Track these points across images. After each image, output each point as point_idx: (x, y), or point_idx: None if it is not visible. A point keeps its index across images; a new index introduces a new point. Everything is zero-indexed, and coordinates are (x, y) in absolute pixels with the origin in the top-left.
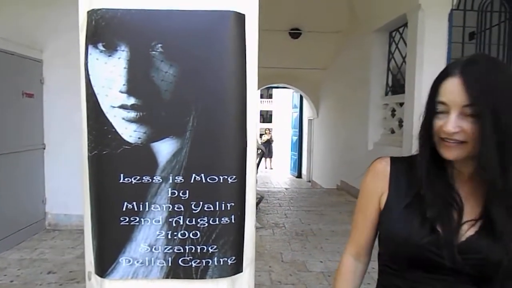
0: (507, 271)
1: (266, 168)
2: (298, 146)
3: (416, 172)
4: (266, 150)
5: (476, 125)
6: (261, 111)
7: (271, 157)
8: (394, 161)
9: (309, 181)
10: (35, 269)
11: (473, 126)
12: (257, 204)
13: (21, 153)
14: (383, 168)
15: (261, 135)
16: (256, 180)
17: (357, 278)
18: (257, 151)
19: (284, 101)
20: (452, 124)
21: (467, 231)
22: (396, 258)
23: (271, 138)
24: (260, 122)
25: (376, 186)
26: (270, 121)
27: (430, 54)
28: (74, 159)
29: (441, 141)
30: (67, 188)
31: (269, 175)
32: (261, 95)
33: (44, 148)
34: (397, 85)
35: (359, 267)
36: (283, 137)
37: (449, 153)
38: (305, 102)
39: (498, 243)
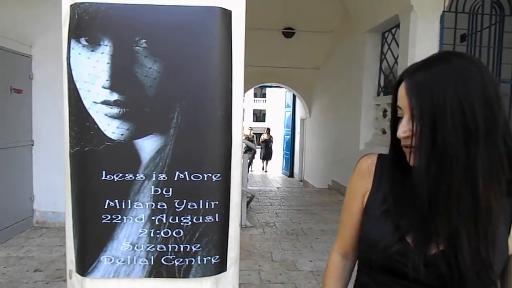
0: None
1: (263, 170)
2: (291, 145)
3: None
4: (263, 151)
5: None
6: (254, 110)
7: (270, 159)
8: (381, 159)
9: (301, 181)
10: (22, 267)
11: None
12: (248, 203)
13: (9, 150)
14: (368, 166)
15: (260, 134)
16: (248, 179)
17: (346, 276)
18: (250, 150)
19: (277, 100)
20: (401, 128)
21: (437, 245)
22: (368, 259)
23: (270, 138)
24: (253, 121)
25: (361, 184)
26: (264, 120)
27: (421, 55)
28: (63, 156)
29: (404, 147)
30: (56, 185)
31: (266, 174)
32: (254, 94)
33: (33, 145)
34: (389, 86)
35: (347, 265)
36: (275, 136)
37: (409, 159)
38: (298, 101)
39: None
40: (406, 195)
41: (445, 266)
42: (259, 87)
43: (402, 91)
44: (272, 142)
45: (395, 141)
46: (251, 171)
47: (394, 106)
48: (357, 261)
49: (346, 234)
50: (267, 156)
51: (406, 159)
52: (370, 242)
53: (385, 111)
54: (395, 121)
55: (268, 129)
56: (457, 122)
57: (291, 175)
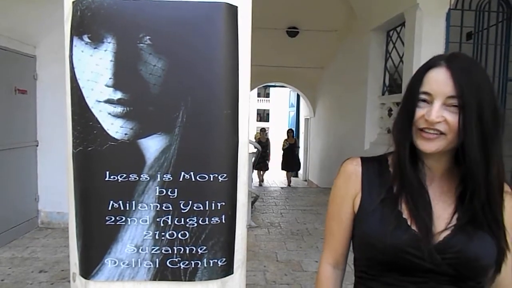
0: (486, 267)
1: (289, 186)
2: None
3: (387, 171)
4: (287, 159)
5: (457, 116)
6: (258, 110)
7: (297, 169)
8: (365, 161)
9: (306, 180)
10: (27, 267)
11: (455, 118)
12: (253, 203)
13: (14, 150)
14: (354, 169)
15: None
16: (252, 179)
17: (338, 286)
18: (259, 152)
19: (281, 100)
20: (436, 113)
21: (443, 231)
22: (372, 262)
23: (295, 142)
24: (257, 121)
25: (349, 188)
26: (267, 120)
27: (427, 53)
28: (66, 156)
29: (419, 132)
30: (61, 186)
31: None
32: (258, 93)
33: (37, 145)
34: (394, 85)
35: (338, 275)
36: (280, 136)
37: (428, 145)
38: (302, 101)
39: (473, 240)
40: (415, 185)
41: (456, 250)
42: (263, 86)
43: (439, 76)
44: (298, 147)
45: (409, 127)
46: (260, 183)
47: (415, 90)
48: (353, 272)
49: (336, 243)
50: (292, 166)
51: (415, 145)
52: (375, 241)
53: (390, 110)
54: (413, 106)
55: (292, 131)
56: (492, 116)
57: (295, 174)
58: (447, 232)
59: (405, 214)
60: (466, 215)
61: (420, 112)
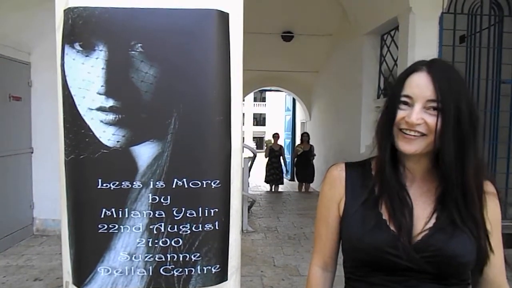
0: (466, 264)
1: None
2: (291, 149)
3: (369, 174)
4: (302, 168)
5: (436, 119)
6: (254, 114)
7: (311, 180)
8: (349, 166)
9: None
10: (22, 276)
11: (434, 120)
12: (249, 207)
13: (8, 157)
14: (339, 174)
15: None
16: (248, 184)
17: None
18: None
19: (277, 104)
20: (417, 115)
21: (422, 231)
22: (357, 263)
23: (311, 148)
24: (254, 125)
25: (334, 193)
26: (264, 124)
27: (421, 57)
28: (59, 164)
29: (400, 133)
30: (56, 193)
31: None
32: (254, 98)
33: (32, 152)
34: (389, 88)
35: (328, 277)
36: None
37: (409, 146)
38: (298, 105)
39: (451, 238)
40: (395, 186)
41: (435, 249)
42: (259, 91)
43: (420, 80)
44: (314, 155)
45: (390, 129)
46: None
47: (397, 94)
48: (342, 274)
49: (324, 246)
50: (307, 175)
51: (396, 146)
52: (355, 243)
53: None
54: (394, 109)
55: (307, 135)
56: (469, 120)
57: (292, 179)
58: (426, 232)
59: (385, 215)
60: (444, 214)
61: (401, 114)
